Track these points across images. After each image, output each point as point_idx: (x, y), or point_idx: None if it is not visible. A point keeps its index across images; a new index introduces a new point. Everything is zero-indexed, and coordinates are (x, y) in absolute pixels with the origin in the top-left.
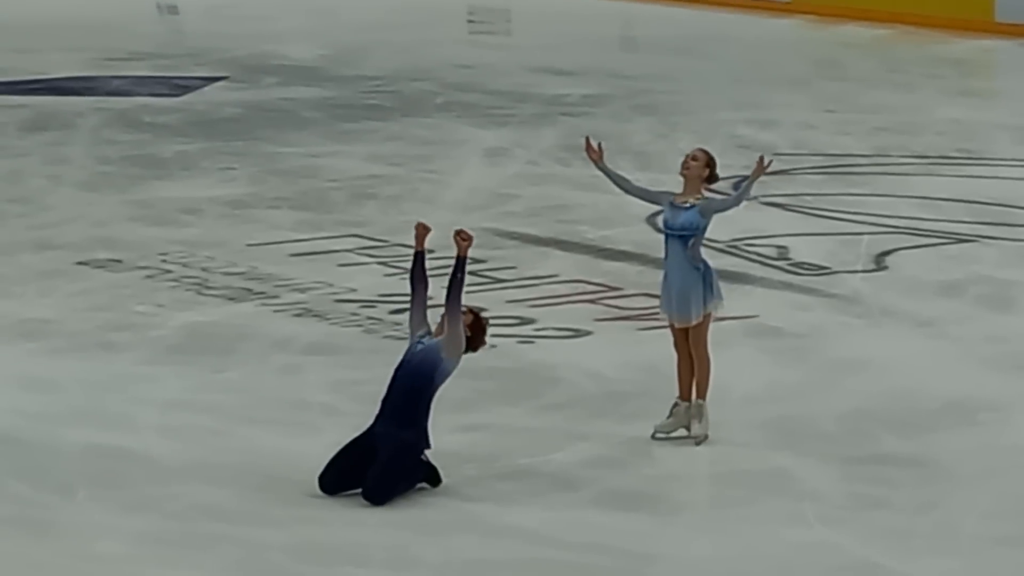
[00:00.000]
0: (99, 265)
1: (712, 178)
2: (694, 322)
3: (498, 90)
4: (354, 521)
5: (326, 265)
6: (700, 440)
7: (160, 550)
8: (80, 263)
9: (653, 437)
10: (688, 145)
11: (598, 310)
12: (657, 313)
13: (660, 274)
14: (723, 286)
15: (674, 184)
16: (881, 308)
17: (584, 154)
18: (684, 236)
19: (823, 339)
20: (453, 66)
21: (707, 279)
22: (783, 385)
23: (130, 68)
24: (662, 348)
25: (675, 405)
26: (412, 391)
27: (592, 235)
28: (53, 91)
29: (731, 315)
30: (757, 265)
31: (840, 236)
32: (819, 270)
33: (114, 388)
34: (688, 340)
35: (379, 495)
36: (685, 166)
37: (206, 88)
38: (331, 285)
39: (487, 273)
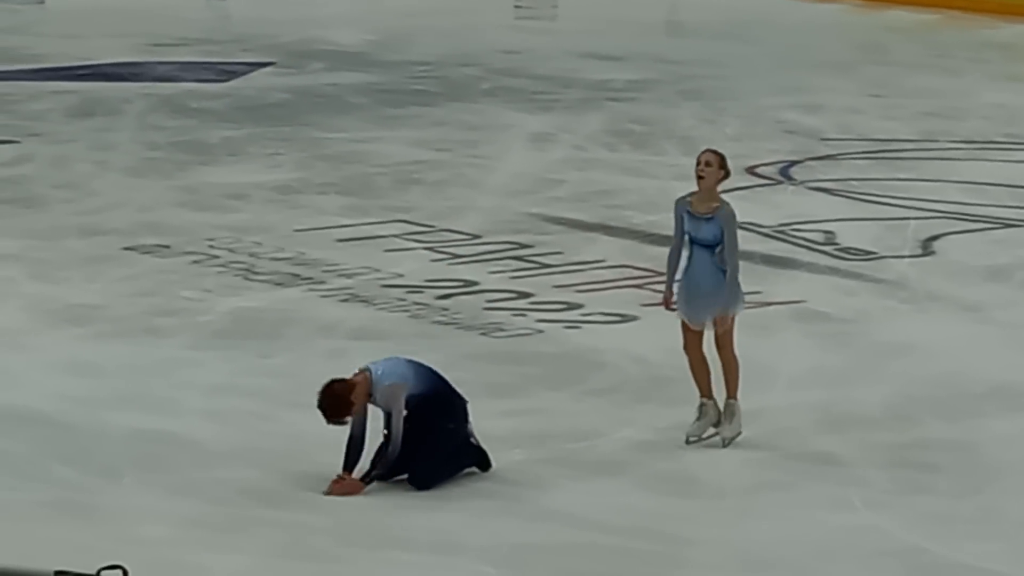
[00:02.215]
0: (146, 251)
1: (726, 176)
2: (718, 326)
3: (544, 75)
4: (399, 505)
5: (373, 250)
6: (729, 441)
7: (204, 534)
8: (127, 248)
9: (687, 442)
10: (734, 130)
11: (644, 295)
12: None
13: None
14: (769, 271)
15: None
16: (927, 293)
17: (632, 139)
18: (711, 245)
19: (869, 324)
20: (499, 51)
21: (736, 284)
22: (828, 370)
23: (177, 54)
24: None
25: (701, 406)
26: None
27: (638, 220)
28: (100, 77)
29: (777, 300)
30: (804, 250)
31: (886, 221)
32: (865, 255)
33: (159, 373)
34: (700, 342)
35: (425, 481)
36: (700, 173)
37: (253, 73)
38: (377, 270)
39: (533, 258)
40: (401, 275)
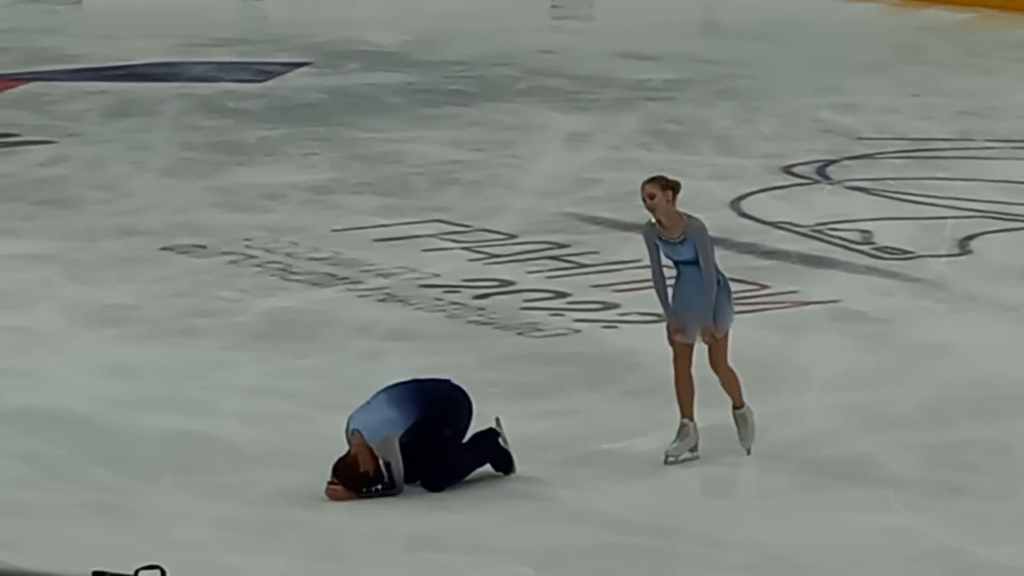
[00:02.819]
0: (182, 251)
1: (677, 192)
2: (703, 339)
3: (580, 75)
4: (435, 507)
5: (409, 250)
6: (750, 448)
7: (240, 536)
8: (163, 249)
9: (666, 462)
10: (770, 130)
11: None
12: (742, 297)
13: (743, 259)
14: (806, 270)
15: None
16: (964, 293)
17: (668, 139)
18: (695, 262)
19: (906, 324)
20: (535, 51)
21: (727, 294)
22: (865, 370)
23: (213, 54)
24: (745, 333)
25: (682, 426)
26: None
27: None
28: (136, 77)
29: (814, 300)
30: (840, 249)
31: (923, 220)
32: (902, 254)
33: (195, 374)
34: (689, 359)
35: (436, 485)
36: (649, 208)
37: (289, 74)
38: (414, 270)
39: (570, 258)
40: (438, 275)
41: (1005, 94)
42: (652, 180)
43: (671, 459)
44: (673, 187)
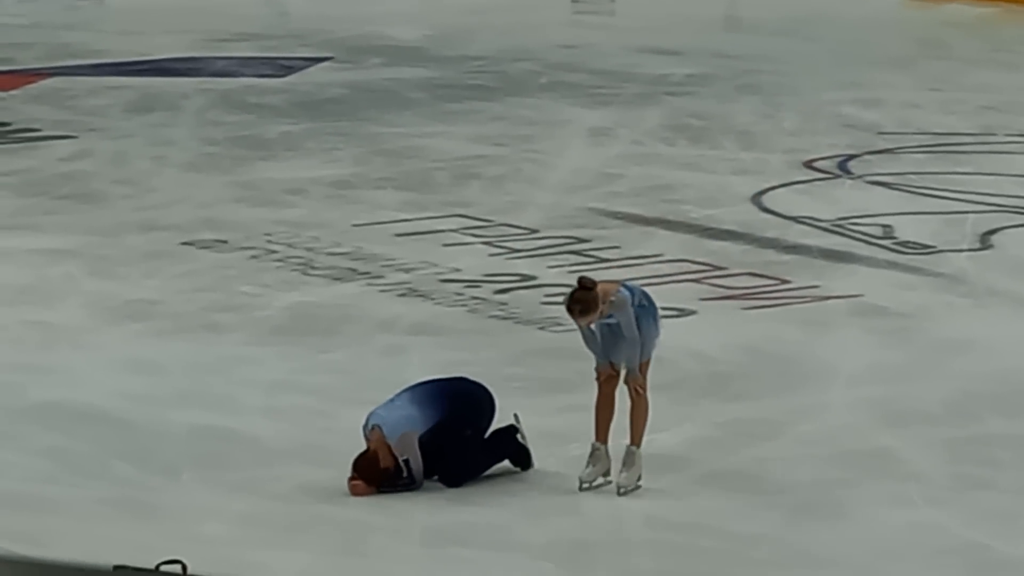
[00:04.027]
0: (204, 246)
1: (592, 289)
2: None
3: (602, 70)
4: (457, 502)
5: (431, 245)
6: (626, 490)
7: (264, 532)
8: (185, 244)
9: (580, 488)
10: (792, 125)
11: (703, 289)
12: (763, 292)
13: (765, 254)
14: (827, 265)
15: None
16: (987, 287)
17: (690, 134)
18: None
19: (928, 319)
20: (557, 46)
21: (653, 317)
22: (888, 365)
23: (235, 49)
24: (767, 328)
25: (594, 450)
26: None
27: (697, 214)
28: (158, 72)
29: (836, 294)
30: (862, 244)
31: (945, 215)
32: (924, 249)
33: (219, 369)
34: (615, 382)
35: (454, 481)
36: (581, 326)
37: (311, 69)
38: (436, 265)
39: (592, 253)
40: (459, 270)
41: None
42: (571, 300)
43: (585, 485)
44: (596, 300)
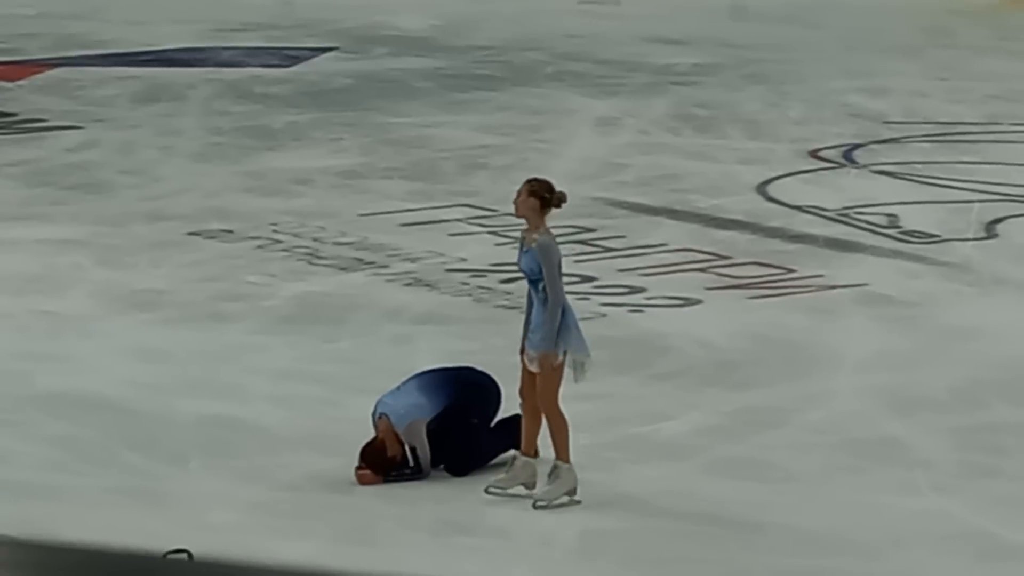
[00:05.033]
0: (211, 236)
1: (549, 204)
2: (538, 368)
3: (608, 59)
4: (464, 491)
5: (437, 235)
6: (544, 504)
7: (272, 520)
8: (192, 234)
9: (487, 491)
10: (798, 114)
11: (708, 278)
12: (768, 281)
13: (770, 243)
14: (833, 254)
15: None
16: (992, 276)
17: (696, 123)
18: (533, 280)
19: (934, 307)
20: (563, 36)
21: (565, 324)
22: (894, 353)
23: (241, 39)
24: (773, 317)
25: (513, 459)
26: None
27: (703, 204)
28: (164, 63)
29: (841, 283)
30: (867, 233)
31: (951, 204)
32: (929, 238)
33: (226, 358)
34: (532, 387)
35: (459, 470)
36: (514, 201)
37: (317, 59)
38: (442, 255)
39: (597, 242)
40: (465, 259)
41: None
42: (528, 182)
43: (494, 490)
44: (541, 196)
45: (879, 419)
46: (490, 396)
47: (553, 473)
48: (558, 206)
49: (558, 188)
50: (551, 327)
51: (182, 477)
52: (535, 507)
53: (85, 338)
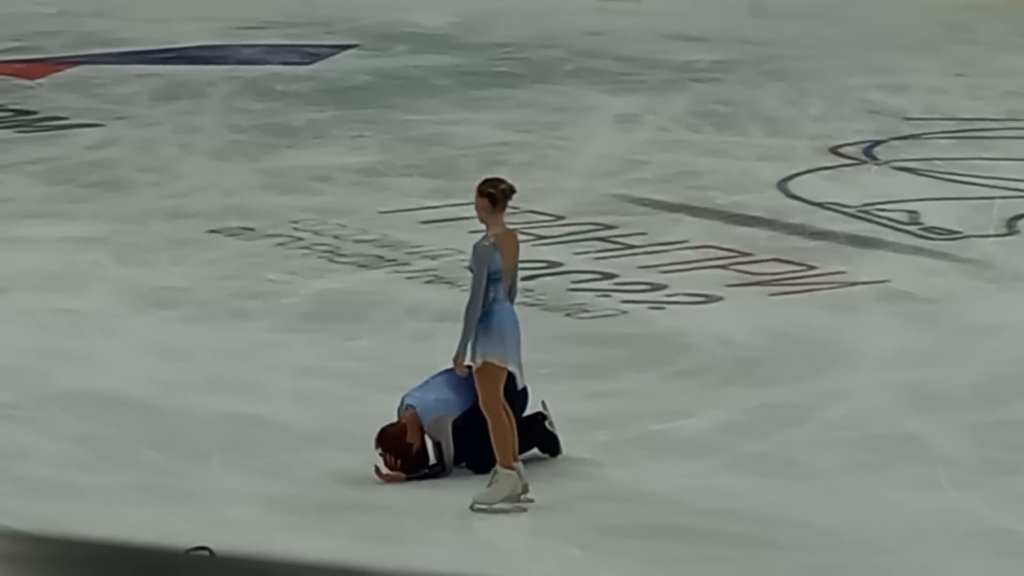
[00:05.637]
0: (231, 233)
1: (497, 199)
2: (473, 366)
3: (628, 56)
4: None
5: (457, 232)
6: (482, 507)
7: (292, 517)
8: (212, 231)
9: (472, 508)
10: (818, 111)
11: (729, 275)
12: (789, 278)
13: (791, 240)
14: (854, 251)
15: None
16: (1013, 272)
17: (716, 120)
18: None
19: (955, 304)
20: (582, 33)
21: (490, 328)
22: (915, 350)
23: (261, 37)
24: (793, 314)
25: (494, 473)
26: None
27: (723, 200)
28: (184, 60)
29: (862, 280)
30: (888, 230)
31: (971, 200)
32: (950, 235)
33: (246, 356)
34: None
35: (481, 467)
36: (477, 204)
37: (336, 56)
38: (462, 252)
39: (618, 239)
40: None
41: None
42: (480, 185)
43: (479, 507)
44: (488, 194)
45: (900, 416)
46: (516, 396)
47: (493, 477)
48: (508, 197)
49: (508, 181)
50: (464, 332)
51: (203, 474)
52: (472, 508)
53: (105, 336)
